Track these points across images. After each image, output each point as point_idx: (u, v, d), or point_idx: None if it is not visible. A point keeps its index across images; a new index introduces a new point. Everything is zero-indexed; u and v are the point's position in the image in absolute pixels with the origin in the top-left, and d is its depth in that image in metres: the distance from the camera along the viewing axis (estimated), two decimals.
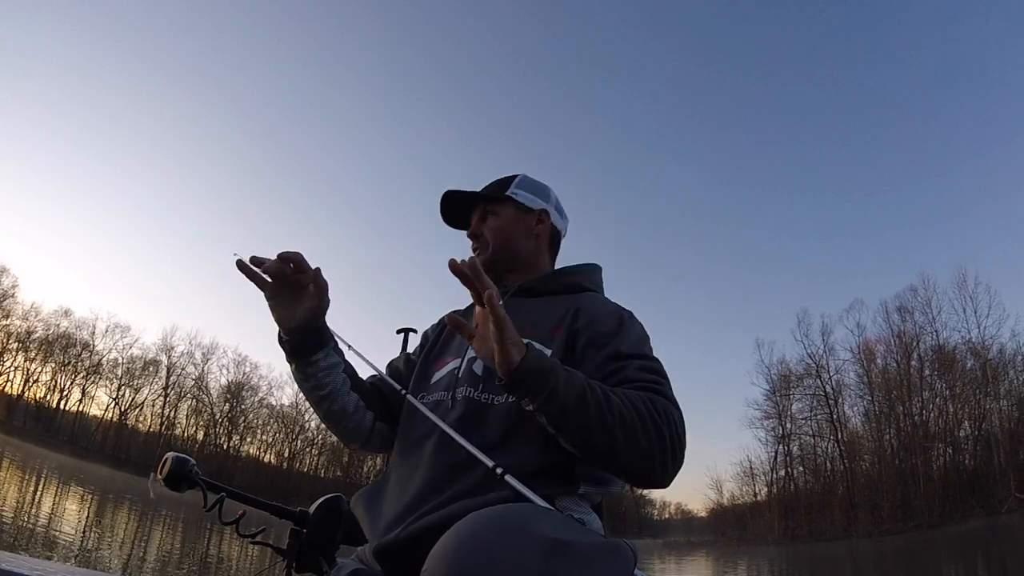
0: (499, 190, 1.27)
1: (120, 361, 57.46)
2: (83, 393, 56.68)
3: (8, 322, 52.43)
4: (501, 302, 0.87)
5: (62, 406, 55.90)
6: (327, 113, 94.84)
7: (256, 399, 60.43)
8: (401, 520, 0.94)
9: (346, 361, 1.20)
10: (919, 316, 41.86)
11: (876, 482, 40.11)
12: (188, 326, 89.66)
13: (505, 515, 0.71)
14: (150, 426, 58.21)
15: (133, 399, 57.75)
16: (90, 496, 20.40)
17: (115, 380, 57.18)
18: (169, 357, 58.26)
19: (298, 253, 1.04)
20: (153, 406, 58.37)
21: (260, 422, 60.86)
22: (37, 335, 54.44)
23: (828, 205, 74.08)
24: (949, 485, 35.56)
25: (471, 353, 1.10)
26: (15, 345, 53.03)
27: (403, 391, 1.17)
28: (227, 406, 58.85)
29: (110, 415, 57.06)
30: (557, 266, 1.32)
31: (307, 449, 61.92)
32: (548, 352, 1.04)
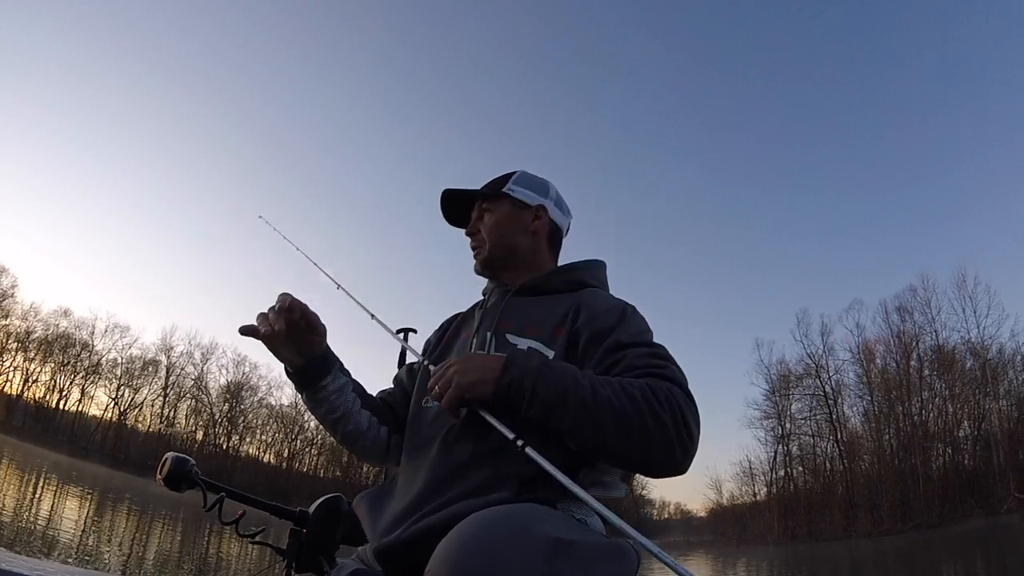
0: (496, 187, 1.26)
1: (119, 361, 57.54)
2: (82, 393, 56.72)
3: (7, 322, 52.50)
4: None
5: (61, 406, 55.93)
6: (327, 113, 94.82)
7: (255, 399, 60.48)
8: (402, 521, 0.94)
9: (354, 380, 1.21)
10: (918, 316, 41.94)
11: (875, 482, 40.10)
12: (187, 326, 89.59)
13: (509, 515, 0.71)
14: (149, 426, 58.18)
15: (132, 399, 57.77)
16: (89, 496, 20.38)
17: (114, 380, 57.23)
18: (168, 357, 58.34)
19: (288, 295, 1.06)
20: (152, 406, 58.43)
21: (259, 422, 60.89)
22: (36, 335, 54.50)
23: (828, 205, 74.12)
24: (948, 485, 35.55)
25: None
26: (14, 345, 53.05)
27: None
28: (226, 406, 58.83)
29: (109, 415, 57.10)
30: (561, 262, 1.30)
31: (306, 449, 61.91)
32: (551, 353, 1.04)
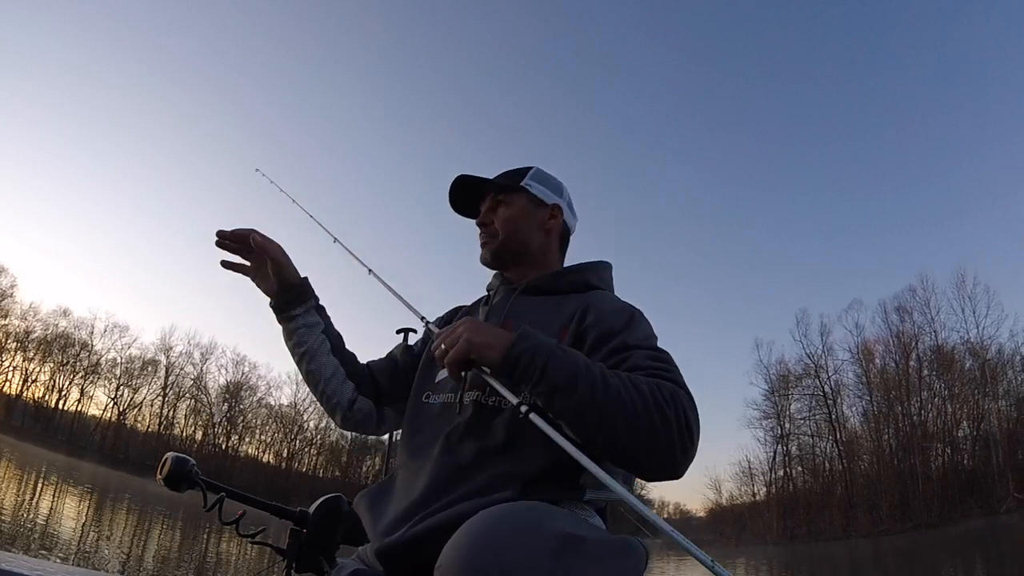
0: (513, 180, 1.25)
1: (119, 361, 57.47)
2: (82, 393, 56.64)
3: (7, 322, 52.43)
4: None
5: (60, 406, 55.86)
6: (327, 113, 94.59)
7: (255, 399, 60.45)
8: (405, 521, 0.94)
9: (330, 325, 1.26)
10: (918, 316, 41.95)
11: (875, 482, 40.12)
12: (187, 326, 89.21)
13: (517, 512, 0.71)
14: (149, 426, 58.17)
15: (132, 399, 57.71)
16: (88, 495, 20.36)
17: (114, 380, 57.18)
18: (168, 357, 58.29)
19: (224, 231, 1.18)
20: (152, 406, 58.38)
21: (259, 422, 60.83)
22: (36, 335, 54.45)
23: (828, 205, 73.97)
24: (948, 485, 35.57)
25: None
26: (13, 345, 53.00)
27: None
28: (226, 406, 58.81)
29: (108, 415, 57.04)
30: (564, 265, 1.29)
31: (306, 449, 61.84)
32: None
